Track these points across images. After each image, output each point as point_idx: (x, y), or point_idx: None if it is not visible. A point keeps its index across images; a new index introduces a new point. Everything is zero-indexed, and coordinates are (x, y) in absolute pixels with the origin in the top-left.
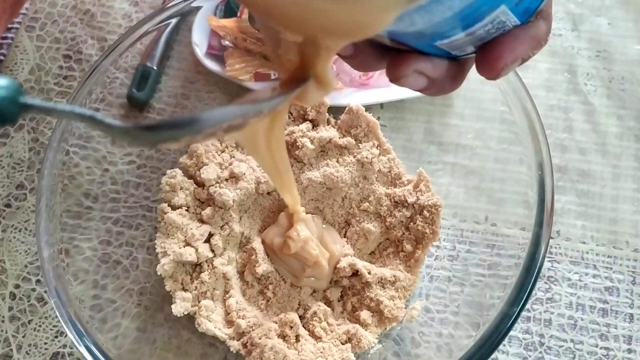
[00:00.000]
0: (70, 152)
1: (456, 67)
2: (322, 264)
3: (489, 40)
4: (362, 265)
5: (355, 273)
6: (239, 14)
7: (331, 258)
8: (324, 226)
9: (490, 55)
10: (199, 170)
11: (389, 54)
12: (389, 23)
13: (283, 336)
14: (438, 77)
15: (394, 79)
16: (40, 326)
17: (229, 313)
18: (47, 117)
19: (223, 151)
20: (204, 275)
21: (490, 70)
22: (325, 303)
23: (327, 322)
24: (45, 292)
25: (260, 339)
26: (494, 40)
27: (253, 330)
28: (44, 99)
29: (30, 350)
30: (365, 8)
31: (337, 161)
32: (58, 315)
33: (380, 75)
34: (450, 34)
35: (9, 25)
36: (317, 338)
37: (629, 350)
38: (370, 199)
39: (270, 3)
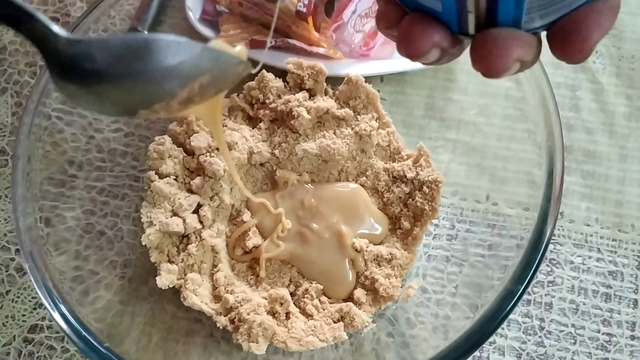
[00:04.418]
0: (52, 117)
1: (538, 43)
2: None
3: (561, 18)
4: (362, 242)
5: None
6: None
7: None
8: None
9: (578, 36)
10: (189, 138)
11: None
12: None
13: (273, 313)
14: (532, 59)
15: (495, 71)
16: (18, 297)
17: (217, 287)
18: None
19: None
20: (192, 247)
21: (578, 53)
22: None
23: (319, 300)
24: (24, 262)
25: (248, 314)
26: (574, 19)
27: (241, 305)
28: (28, 63)
29: (7, 322)
30: None
31: (334, 133)
32: (32, 281)
33: (381, 46)
34: None
35: None
36: (309, 316)
37: (632, 337)
38: (367, 173)
39: None
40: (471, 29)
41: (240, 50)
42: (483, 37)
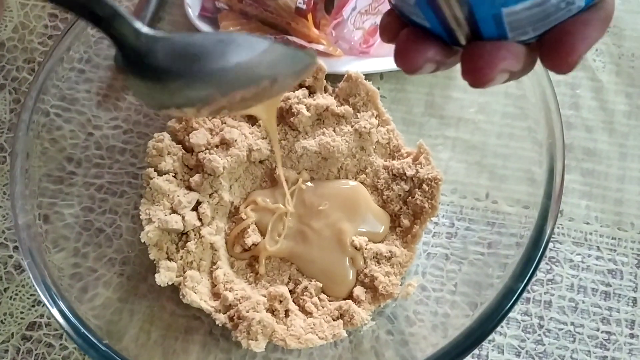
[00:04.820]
0: (51, 113)
1: (531, 51)
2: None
3: (552, 28)
4: (362, 239)
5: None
6: None
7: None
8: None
9: (563, 48)
10: (188, 135)
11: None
12: None
13: (272, 310)
14: (521, 69)
15: (481, 82)
16: (16, 295)
17: (216, 285)
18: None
19: (214, 116)
20: (191, 245)
21: (564, 64)
22: None
23: (319, 298)
24: (22, 259)
25: (247, 312)
26: (561, 30)
27: (240, 303)
28: (26, 59)
29: (5, 320)
30: None
31: (334, 130)
32: (31, 278)
33: (381, 43)
34: None
35: None
36: (308, 313)
37: (632, 335)
38: (367, 171)
39: None
40: (462, 40)
41: (310, 49)
42: (470, 50)
